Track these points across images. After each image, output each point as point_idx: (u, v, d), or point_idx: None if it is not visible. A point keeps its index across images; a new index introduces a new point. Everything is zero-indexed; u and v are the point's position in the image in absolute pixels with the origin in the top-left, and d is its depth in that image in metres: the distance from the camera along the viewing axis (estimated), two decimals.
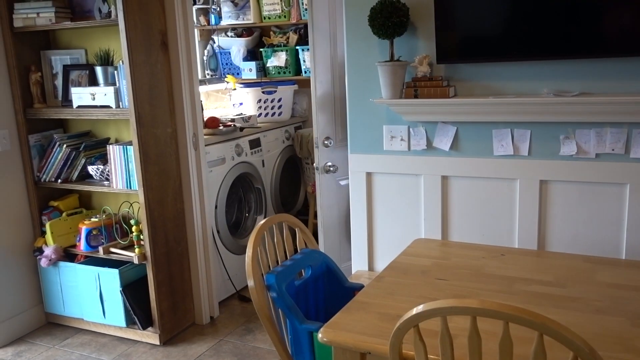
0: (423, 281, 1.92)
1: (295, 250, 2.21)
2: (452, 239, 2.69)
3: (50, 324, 3.47)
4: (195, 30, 4.34)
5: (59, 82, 3.27)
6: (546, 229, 2.50)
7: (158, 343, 3.17)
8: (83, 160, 3.23)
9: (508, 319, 1.17)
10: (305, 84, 4.50)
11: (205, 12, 4.57)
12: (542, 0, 2.31)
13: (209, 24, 4.56)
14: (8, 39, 3.13)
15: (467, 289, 1.84)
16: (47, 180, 3.28)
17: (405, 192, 2.77)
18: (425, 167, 2.69)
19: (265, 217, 4.00)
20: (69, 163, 3.23)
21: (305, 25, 4.33)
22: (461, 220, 2.66)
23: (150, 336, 3.19)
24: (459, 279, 1.92)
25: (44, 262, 3.27)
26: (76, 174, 3.25)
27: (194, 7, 4.35)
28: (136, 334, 3.23)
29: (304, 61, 4.29)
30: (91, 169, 3.20)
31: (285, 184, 4.32)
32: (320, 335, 1.57)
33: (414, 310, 1.26)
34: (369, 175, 2.83)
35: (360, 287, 2.14)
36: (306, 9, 4.17)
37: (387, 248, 2.85)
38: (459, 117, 2.57)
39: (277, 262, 2.10)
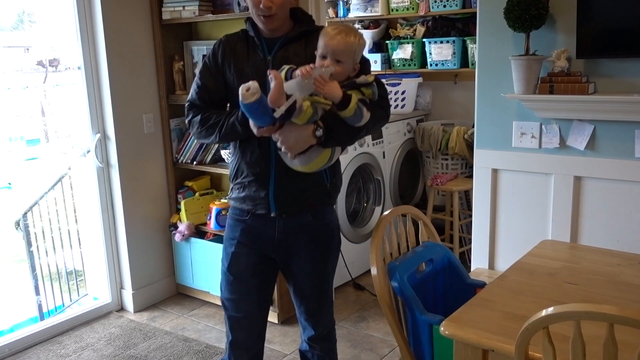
0: (551, 284, 1.86)
1: (417, 243, 2.22)
2: (582, 242, 2.56)
3: (180, 295, 3.76)
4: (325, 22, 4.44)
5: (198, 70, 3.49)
6: None
7: (276, 321, 3.32)
8: (216, 145, 3.44)
9: None
10: (429, 77, 4.45)
11: (334, 5, 4.66)
12: None
13: (336, 16, 4.65)
14: (157, 30, 3.40)
15: (600, 295, 1.75)
16: (183, 161, 3.54)
17: (533, 191, 2.67)
18: (557, 166, 2.58)
19: (383, 208, 4.03)
20: (203, 147, 3.46)
21: (434, 17, 4.27)
22: (593, 224, 2.52)
23: (270, 314, 3.35)
24: (591, 285, 1.84)
25: (177, 237, 3.53)
26: (209, 157, 3.47)
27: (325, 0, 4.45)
28: None
29: (430, 54, 4.24)
30: (223, 153, 3.40)
31: (405, 176, 4.32)
32: (442, 328, 1.58)
33: (544, 312, 1.23)
34: (495, 171, 2.77)
35: (482, 284, 2.11)
36: (435, 1, 4.12)
37: (510, 247, 2.77)
38: (597, 115, 2.43)
39: (399, 253, 2.12)
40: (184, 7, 3.27)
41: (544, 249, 2.24)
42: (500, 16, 2.48)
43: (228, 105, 2.02)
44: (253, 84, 1.65)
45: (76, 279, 3.75)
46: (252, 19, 1.90)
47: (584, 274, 1.93)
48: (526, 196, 2.69)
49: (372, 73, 1.86)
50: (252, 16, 1.88)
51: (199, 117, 1.94)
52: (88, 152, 3.37)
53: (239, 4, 3.15)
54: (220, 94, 1.96)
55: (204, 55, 3.48)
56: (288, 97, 1.66)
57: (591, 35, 2.38)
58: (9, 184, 7.49)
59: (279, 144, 1.77)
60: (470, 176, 3.20)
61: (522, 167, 2.67)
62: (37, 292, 3.60)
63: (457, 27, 4.20)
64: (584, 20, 2.37)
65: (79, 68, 3.27)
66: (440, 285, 2.19)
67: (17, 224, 3.52)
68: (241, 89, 1.66)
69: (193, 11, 3.25)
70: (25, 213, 3.52)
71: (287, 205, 1.92)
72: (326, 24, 3.65)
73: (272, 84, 1.66)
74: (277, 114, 1.65)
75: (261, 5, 1.77)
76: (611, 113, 2.39)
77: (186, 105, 2.00)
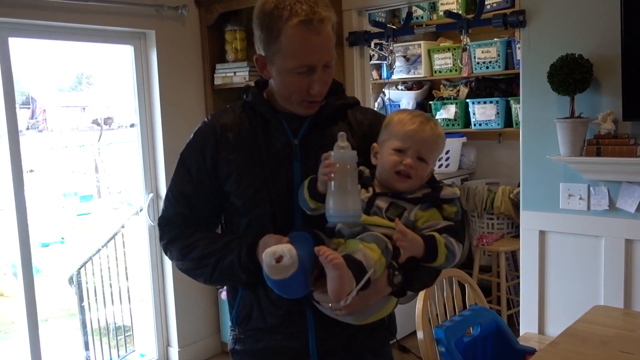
0: (604, 352, 1.80)
1: (464, 306, 2.20)
2: (636, 308, 2.48)
3: (225, 353, 3.76)
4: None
5: None
6: None
7: None
8: None
9: None
10: (473, 136, 4.47)
11: (378, 67, 4.79)
12: None
13: (380, 78, 4.77)
14: (209, 93, 3.57)
15: None
16: None
17: (583, 254, 2.62)
18: (607, 229, 2.53)
19: None
20: None
21: (477, 78, 4.34)
22: None
23: None
24: None
25: (224, 295, 3.58)
26: None
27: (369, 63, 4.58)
28: None
29: (474, 114, 4.28)
30: None
31: None
32: None
33: None
34: (542, 233, 2.74)
35: (532, 351, 2.07)
36: (478, 63, 4.19)
37: (560, 312, 2.70)
38: None
39: (446, 316, 2.11)
40: (235, 72, 3.43)
41: (597, 314, 2.18)
42: (543, 78, 2.51)
43: (223, 218, 1.48)
44: (288, 251, 1.18)
45: (124, 334, 3.81)
46: (256, 88, 1.43)
47: (639, 342, 1.87)
48: (576, 259, 2.64)
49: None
50: (277, 96, 1.37)
51: (177, 244, 1.41)
52: (141, 210, 3.49)
53: None
54: (208, 205, 1.42)
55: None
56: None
57: (638, 97, 2.38)
58: (62, 238, 7.77)
59: (331, 309, 1.27)
60: (517, 236, 3.16)
61: (571, 229, 2.64)
62: (87, 347, 3.67)
63: (500, 87, 4.25)
64: (630, 83, 2.38)
65: (131, 126, 3.44)
66: (488, 350, 2.15)
67: (71, 279, 3.64)
68: (266, 257, 1.19)
69: (244, 76, 3.40)
70: (79, 269, 3.64)
71: (335, 356, 1.39)
72: (370, 88, 3.75)
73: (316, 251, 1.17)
74: (343, 304, 1.19)
75: (312, 91, 1.30)
76: None
77: (158, 222, 1.46)
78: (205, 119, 1.46)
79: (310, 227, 1.30)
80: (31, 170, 8.64)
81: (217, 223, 1.49)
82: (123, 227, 3.78)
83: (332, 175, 1.21)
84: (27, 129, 9.68)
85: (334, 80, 1.41)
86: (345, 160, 1.21)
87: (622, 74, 2.39)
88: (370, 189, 1.31)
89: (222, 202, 1.43)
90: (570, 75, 2.39)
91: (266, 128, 1.38)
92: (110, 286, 3.76)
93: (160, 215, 1.47)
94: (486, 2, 3.59)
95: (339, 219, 1.23)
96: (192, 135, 1.45)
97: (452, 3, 4.08)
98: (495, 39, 4.04)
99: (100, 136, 9.71)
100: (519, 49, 3.54)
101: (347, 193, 1.20)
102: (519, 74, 2.81)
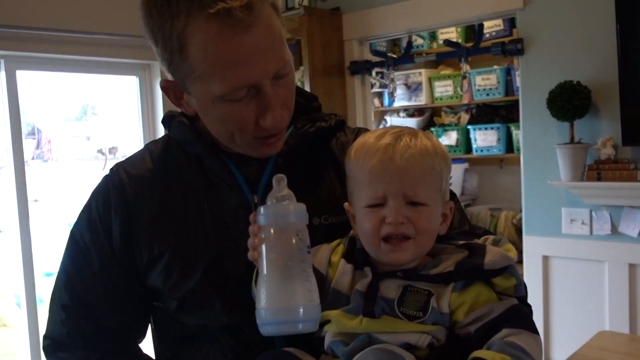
0: None
1: None
2: None
3: None
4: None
5: None
6: None
7: None
8: None
9: None
10: (475, 162, 4.49)
11: (379, 94, 4.84)
12: None
13: (382, 106, 4.82)
14: None
15: None
16: None
17: (586, 279, 2.62)
18: (610, 254, 2.53)
19: None
20: None
21: (477, 105, 4.38)
22: None
23: None
24: None
25: None
26: None
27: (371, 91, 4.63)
28: None
29: (475, 140, 4.31)
30: None
31: None
32: None
33: None
34: (545, 258, 2.73)
35: None
36: (478, 90, 4.24)
37: (565, 337, 2.68)
38: None
39: None
40: None
41: (602, 340, 2.16)
42: (542, 105, 2.54)
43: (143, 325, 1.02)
44: None
45: None
46: (184, 116, 0.97)
47: None
48: (579, 284, 2.63)
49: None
50: (216, 137, 0.91)
51: None
52: None
53: None
54: (123, 310, 0.95)
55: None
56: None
57: (636, 122, 2.41)
58: None
59: None
60: (521, 261, 3.16)
61: (574, 254, 2.63)
62: None
63: (500, 114, 4.28)
64: (628, 108, 2.41)
65: None
66: None
67: None
68: None
69: None
70: None
71: None
72: (372, 115, 3.78)
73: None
74: None
75: (264, 123, 0.84)
76: None
77: (42, 344, 0.97)
78: (109, 171, 0.97)
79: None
80: (36, 200, 8.69)
81: (140, 332, 1.01)
82: None
83: (262, 248, 0.76)
84: (33, 159, 9.77)
85: (300, 91, 0.98)
86: (283, 222, 0.76)
87: (620, 99, 2.42)
88: (369, 269, 0.84)
89: (146, 300, 0.96)
90: (569, 102, 2.42)
91: (207, 179, 0.92)
92: None
93: (44, 333, 0.96)
94: (485, 31, 3.65)
95: (276, 327, 0.75)
96: (87, 200, 0.95)
97: (451, 32, 4.14)
98: (495, 66, 4.09)
99: (104, 165, 9.78)
100: (518, 76, 3.59)
101: (288, 278, 0.75)
102: (518, 100, 2.84)
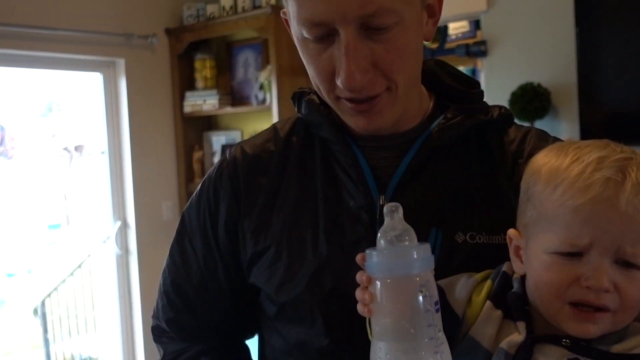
0: None
1: None
2: None
3: None
4: None
5: (216, 160, 3.64)
6: None
7: None
8: None
9: None
10: None
11: None
12: None
13: None
14: (179, 122, 3.57)
15: None
16: None
17: None
18: None
19: None
20: None
21: None
22: None
23: None
24: None
25: None
26: None
27: None
28: None
29: None
30: None
31: None
32: None
33: None
34: None
35: None
36: None
37: None
38: None
39: None
40: (205, 100, 3.45)
41: None
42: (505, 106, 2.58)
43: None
44: None
45: None
46: (315, 97, 0.82)
47: None
48: None
49: None
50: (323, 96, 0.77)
51: None
52: (108, 238, 3.45)
53: (256, 97, 3.32)
54: (223, 306, 0.88)
55: (223, 145, 3.66)
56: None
57: (594, 122, 2.47)
58: (29, 268, 7.59)
59: None
60: None
61: None
62: None
63: None
64: (586, 110, 2.47)
65: (102, 153, 3.43)
66: None
67: (36, 310, 3.57)
68: None
69: (213, 104, 3.42)
70: (44, 300, 3.57)
71: None
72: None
73: None
74: None
75: (337, 81, 0.70)
76: None
77: (152, 323, 0.95)
78: (227, 157, 0.86)
79: None
80: None
81: (247, 328, 0.92)
82: (89, 256, 3.74)
83: (375, 308, 0.60)
84: None
85: (458, 74, 0.83)
86: (403, 274, 0.59)
87: (579, 100, 2.48)
88: (523, 324, 0.65)
89: (250, 296, 0.86)
90: (529, 104, 2.47)
91: (330, 170, 0.79)
92: (77, 317, 3.69)
93: (153, 313, 0.94)
94: (451, 32, 3.69)
95: None
96: (203, 179, 0.88)
97: None
98: (460, 67, 4.13)
99: (70, 163, 9.60)
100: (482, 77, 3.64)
101: (410, 352, 0.58)
102: None
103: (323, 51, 0.69)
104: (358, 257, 0.62)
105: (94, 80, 3.40)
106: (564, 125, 2.57)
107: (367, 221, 0.74)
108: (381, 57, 0.68)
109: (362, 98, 0.70)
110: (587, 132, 2.46)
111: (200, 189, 0.87)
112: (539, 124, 2.55)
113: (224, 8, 3.28)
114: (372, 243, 0.67)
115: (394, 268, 0.58)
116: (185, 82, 3.56)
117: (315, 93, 0.79)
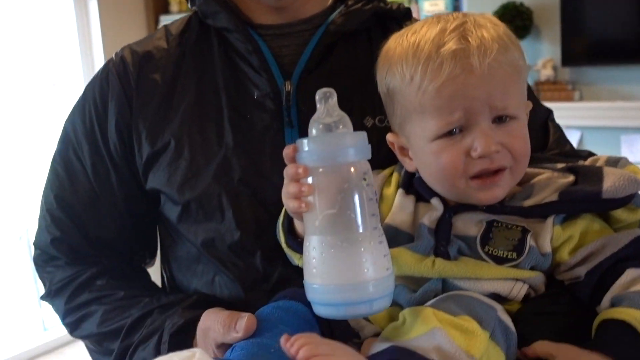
0: None
1: None
2: None
3: None
4: None
5: None
6: None
7: None
8: None
9: None
10: None
11: None
12: None
13: None
14: None
15: None
16: None
17: None
18: None
19: None
20: None
21: None
22: None
23: None
24: None
25: None
26: None
27: None
28: None
29: None
30: None
31: None
32: None
33: None
34: None
35: None
36: (427, 15, 4.21)
37: None
38: (584, 122, 2.50)
39: None
40: None
41: None
42: None
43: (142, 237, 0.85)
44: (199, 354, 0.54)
45: None
46: None
47: None
48: None
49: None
50: None
51: (61, 300, 0.80)
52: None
53: None
54: (115, 220, 0.80)
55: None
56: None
57: (576, 45, 2.46)
58: None
59: None
60: None
61: None
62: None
63: None
64: (568, 31, 2.45)
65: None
66: None
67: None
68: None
69: None
70: None
71: None
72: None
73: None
74: None
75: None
76: (597, 119, 2.46)
77: (33, 254, 0.84)
78: (113, 58, 0.80)
79: None
80: None
81: (148, 251, 0.86)
82: None
83: (313, 200, 0.55)
84: None
85: None
86: (344, 160, 0.55)
87: (562, 22, 2.46)
88: (438, 200, 0.66)
89: (148, 213, 0.81)
90: (511, 23, 2.44)
91: (229, 60, 0.76)
92: None
93: (33, 241, 0.83)
94: None
95: (341, 309, 0.55)
96: (85, 87, 0.82)
97: None
98: None
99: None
100: None
101: (357, 243, 0.55)
102: None
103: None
104: (287, 149, 0.57)
105: (65, 6, 3.26)
106: (545, 46, 2.56)
107: (273, 108, 0.72)
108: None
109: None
110: (568, 52, 2.46)
111: (84, 94, 0.80)
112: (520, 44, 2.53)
113: None
114: (280, 131, 0.71)
115: (338, 154, 0.54)
116: (160, 5, 3.44)
117: None
